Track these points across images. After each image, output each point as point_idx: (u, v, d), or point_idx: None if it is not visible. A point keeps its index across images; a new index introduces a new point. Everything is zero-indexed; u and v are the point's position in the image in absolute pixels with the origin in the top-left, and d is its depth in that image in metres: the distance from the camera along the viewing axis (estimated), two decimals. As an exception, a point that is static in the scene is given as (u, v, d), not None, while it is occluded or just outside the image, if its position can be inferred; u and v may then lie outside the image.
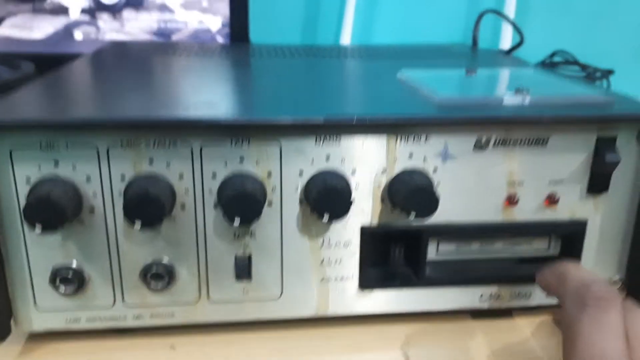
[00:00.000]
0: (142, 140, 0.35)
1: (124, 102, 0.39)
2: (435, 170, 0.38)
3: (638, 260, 0.41)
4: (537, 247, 0.42)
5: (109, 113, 0.36)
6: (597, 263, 0.41)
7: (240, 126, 0.35)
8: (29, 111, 0.36)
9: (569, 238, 0.41)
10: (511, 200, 0.39)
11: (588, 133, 0.38)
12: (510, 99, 0.39)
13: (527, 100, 0.39)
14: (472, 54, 0.67)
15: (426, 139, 0.37)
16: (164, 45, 0.68)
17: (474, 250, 0.41)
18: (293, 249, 0.38)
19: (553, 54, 0.92)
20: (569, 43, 0.94)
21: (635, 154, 0.39)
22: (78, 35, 0.80)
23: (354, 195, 0.37)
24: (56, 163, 0.35)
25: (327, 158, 0.37)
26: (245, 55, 0.62)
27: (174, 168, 0.36)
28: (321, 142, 0.36)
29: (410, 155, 0.37)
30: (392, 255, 0.41)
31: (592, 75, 0.89)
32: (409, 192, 0.35)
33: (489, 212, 0.39)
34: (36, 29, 0.79)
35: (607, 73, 0.90)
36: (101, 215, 0.36)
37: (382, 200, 0.38)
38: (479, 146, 0.38)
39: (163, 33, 0.81)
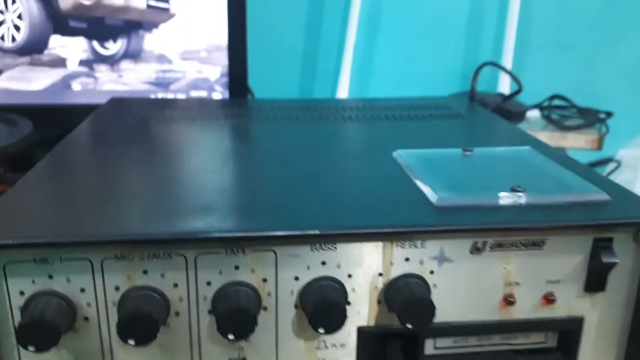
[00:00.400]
0: (136, 254, 0.35)
1: (118, 207, 0.38)
2: (432, 273, 0.38)
3: (635, 354, 0.41)
4: (534, 340, 0.41)
5: (103, 225, 0.36)
6: (595, 357, 0.41)
7: (235, 239, 0.35)
8: (22, 224, 0.36)
9: (566, 333, 0.41)
10: (508, 301, 0.39)
11: (585, 235, 0.38)
12: (506, 199, 0.39)
13: (523, 200, 0.39)
14: (470, 112, 0.67)
15: (422, 244, 0.37)
16: (162, 105, 0.67)
17: (471, 344, 0.41)
18: (288, 351, 0.38)
19: (551, 98, 0.92)
20: (567, 85, 0.95)
21: (632, 253, 0.39)
22: (76, 86, 0.80)
23: (350, 298, 0.37)
24: (50, 276, 0.35)
25: (323, 264, 0.37)
26: (242, 120, 0.62)
27: (169, 278, 0.36)
28: (317, 249, 0.36)
29: (407, 259, 0.37)
30: (389, 352, 0.40)
31: (590, 120, 0.89)
32: (406, 304, 0.35)
33: (486, 312, 0.39)
34: (34, 81, 0.79)
35: (607, 115, 0.90)
36: (95, 324, 0.36)
37: (379, 302, 0.38)
38: (476, 250, 0.38)
39: (161, 83, 0.81)
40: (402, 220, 0.37)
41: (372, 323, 0.38)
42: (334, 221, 0.37)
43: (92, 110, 0.70)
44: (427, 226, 0.36)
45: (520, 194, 0.39)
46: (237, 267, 0.36)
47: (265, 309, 0.37)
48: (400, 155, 0.48)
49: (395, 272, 0.37)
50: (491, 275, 0.38)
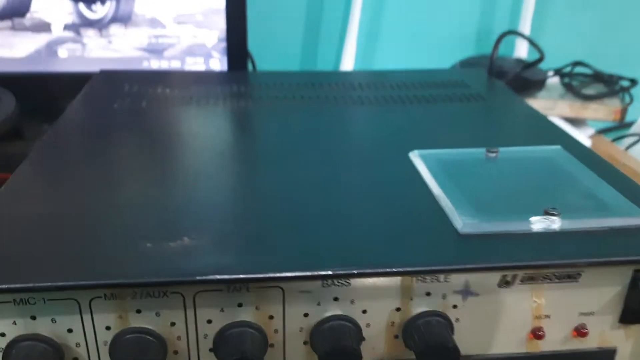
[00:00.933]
0: (127, 293, 0.31)
1: (106, 238, 0.34)
2: (455, 307, 0.34)
3: (669, 384, 0.38)
4: (560, 369, 0.39)
5: (90, 262, 0.32)
6: (625, 385, 0.38)
7: (237, 280, 0.31)
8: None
9: (596, 365, 0.38)
10: (536, 334, 0.36)
11: (625, 266, 0.34)
12: (538, 224, 0.35)
13: (557, 225, 0.35)
14: (489, 92, 0.62)
15: (446, 278, 0.33)
16: (155, 80, 0.62)
17: (492, 372, 0.38)
18: (297, 387, 0.35)
19: (573, 64, 0.86)
20: (589, 48, 0.89)
21: (675, 284, 0.35)
22: (62, 53, 0.74)
23: (364, 334, 0.34)
24: (33, 317, 0.31)
25: (336, 299, 0.33)
26: (242, 102, 0.57)
27: (165, 317, 0.32)
28: (328, 284, 0.33)
29: (428, 294, 0.34)
30: (404, 382, 0.38)
31: (613, 88, 0.84)
32: (427, 348, 0.32)
33: (512, 345, 0.36)
34: (17, 47, 0.73)
35: (631, 83, 0.84)
36: (86, 365, 0.33)
37: (396, 337, 0.35)
38: (505, 283, 0.34)
39: (154, 49, 0.75)
40: (424, 253, 0.33)
41: (388, 357, 0.35)
42: (348, 257, 0.33)
43: (80, 79, 0.65)
44: (451, 263, 0.33)
45: (554, 217, 0.36)
46: (240, 305, 0.33)
47: (272, 346, 0.34)
48: (418, 157, 0.44)
49: (415, 307, 0.34)
50: (520, 309, 0.35)
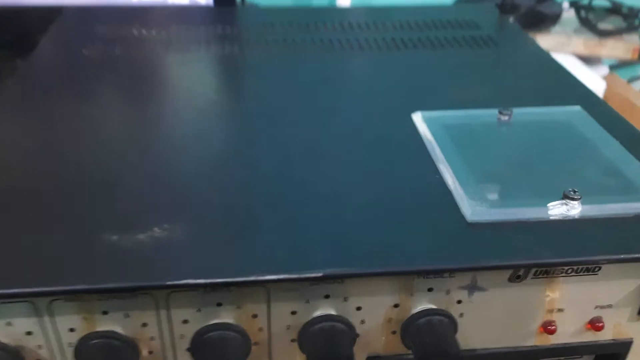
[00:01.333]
0: (92, 295, 0.28)
1: (63, 235, 0.30)
2: (459, 302, 0.31)
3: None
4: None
5: (44, 263, 0.28)
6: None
7: (215, 284, 0.28)
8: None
9: (608, 356, 0.35)
10: (547, 328, 0.32)
11: (649, 259, 0.31)
12: (556, 209, 0.31)
13: (577, 212, 0.31)
14: (501, 34, 0.56)
15: (450, 275, 0.30)
16: (130, 19, 0.56)
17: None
18: (284, 384, 0.33)
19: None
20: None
21: (703, 276, 0.32)
22: (31, -16, 0.67)
23: (358, 330, 0.31)
24: (-15, 321, 0.28)
25: (327, 297, 0.30)
26: (227, 46, 0.51)
27: (135, 318, 0.29)
28: (317, 283, 0.29)
29: (430, 289, 0.30)
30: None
31: (633, 22, 0.77)
32: (428, 353, 0.29)
33: (519, 339, 0.33)
34: (-21, -23, 0.66)
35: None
36: (50, 366, 0.30)
37: (393, 332, 0.32)
38: (516, 278, 0.30)
39: (132, -21, 0.68)
40: (426, 248, 0.29)
41: (384, 353, 0.32)
42: (340, 253, 0.29)
43: (51, 12, 0.59)
44: (457, 261, 0.29)
45: (573, 202, 0.31)
46: (219, 304, 0.29)
47: (256, 344, 0.31)
48: (421, 120, 0.39)
49: (416, 304, 0.30)
50: (531, 304, 0.31)
